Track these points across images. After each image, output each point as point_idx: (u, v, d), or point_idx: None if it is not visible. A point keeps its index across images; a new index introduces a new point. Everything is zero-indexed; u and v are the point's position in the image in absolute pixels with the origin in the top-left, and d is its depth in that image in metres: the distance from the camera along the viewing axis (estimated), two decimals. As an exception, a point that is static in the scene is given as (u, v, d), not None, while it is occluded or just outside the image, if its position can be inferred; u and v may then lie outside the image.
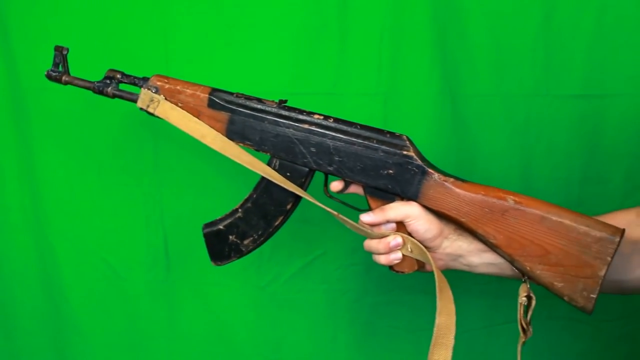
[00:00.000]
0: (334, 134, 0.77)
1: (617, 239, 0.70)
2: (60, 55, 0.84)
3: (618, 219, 0.76)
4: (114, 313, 1.18)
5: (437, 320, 0.72)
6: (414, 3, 1.01)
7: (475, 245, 0.78)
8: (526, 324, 0.75)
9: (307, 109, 0.80)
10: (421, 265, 0.80)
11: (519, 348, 0.76)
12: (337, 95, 1.06)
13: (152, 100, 0.81)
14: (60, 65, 0.84)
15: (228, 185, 1.10)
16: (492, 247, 0.76)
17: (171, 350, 1.19)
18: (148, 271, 1.16)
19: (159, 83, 0.82)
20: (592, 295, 0.71)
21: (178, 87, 0.81)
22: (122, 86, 0.84)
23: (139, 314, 1.18)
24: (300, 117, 0.78)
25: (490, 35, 1.02)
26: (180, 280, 1.16)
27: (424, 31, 1.02)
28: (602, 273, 0.71)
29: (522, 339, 0.76)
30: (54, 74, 0.84)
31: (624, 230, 0.71)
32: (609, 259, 0.70)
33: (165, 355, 1.20)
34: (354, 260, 1.14)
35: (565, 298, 0.73)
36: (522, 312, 0.75)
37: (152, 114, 0.82)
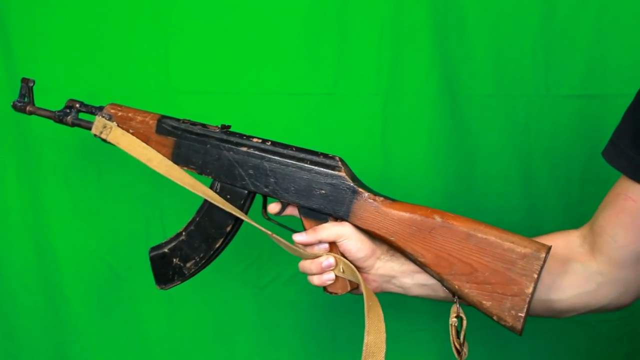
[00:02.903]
0: (270, 156, 0.79)
1: (543, 255, 0.70)
2: (27, 87, 0.89)
3: (557, 240, 0.76)
4: (113, 313, 1.18)
5: (366, 340, 0.72)
6: (414, 3, 1.01)
7: (407, 266, 0.78)
8: (459, 344, 0.74)
9: (247, 133, 0.82)
10: (354, 286, 0.80)
11: None
12: (337, 95, 1.06)
13: (105, 127, 0.85)
14: (25, 97, 0.89)
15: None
16: (421, 266, 0.75)
17: (171, 350, 1.19)
18: (148, 271, 1.15)
19: (112, 111, 0.86)
20: (520, 314, 0.70)
21: (130, 115, 0.85)
22: (82, 115, 0.88)
23: (138, 314, 1.18)
24: (240, 140, 0.81)
25: (490, 35, 1.02)
26: (180, 280, 1.16)
27: (424, 31, 1.02)
28: (529, 290, 0.69)
29: None
30: (19, 104, 0.89)
31: (550, 247, 0.70)
32: (535, 275, 0.69)
33: (165, 355, 1.19)
34: (354, 260, 1.14)
35: (495, 317, 0.72)
36: (454, 333, 0.74)
37: (104, 140, 0.86)
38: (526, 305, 0.70)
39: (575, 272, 0.74)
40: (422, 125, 1.06)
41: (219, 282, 1.16)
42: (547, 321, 1.13)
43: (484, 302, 0.72)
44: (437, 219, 0.74)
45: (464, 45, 1.02)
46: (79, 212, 1.13)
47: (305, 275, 1.15)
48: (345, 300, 1.16)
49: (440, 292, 0.77)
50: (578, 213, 1.06)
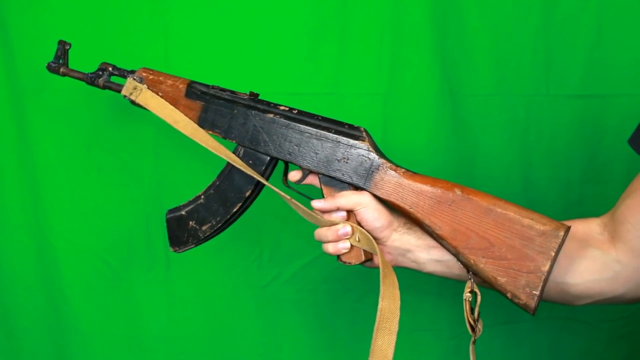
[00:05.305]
0: (295, 123, 0.81)
1: (562, 234, 0.69)
2: (63, 49, 0.91)
3: (577, 225, 0.75)
4: (114, 313, 1.18)
5: (380, 305, 0.72)
6: (414, 3, 1.01)
7: (424, 240, 0.78)
8: (473, 320, 0.74)
9: (275, 102, 0.84)
10: (369, 257, 0.81)
11: (471, 347, 0.75)
12: (337, 95, 1.06)
13: (135, 89, 0.87)
14: (60, 59, 0.91)
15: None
16: (438, 239, 0.75)
17: (171, 350, 1.19)
18: (148, 271, 1.16)
19: (144, 74, 0.88)
20: (534, 292, 0.70)
21: (160, 78, 0.88)
22: (113, 78, 0.90)
23: (139, 314, 1.18)
24: (267, 107, 0.83)
25: (490, 35, 1.02)
26: (180, 280, 1.16)
27: (424, 31, 1.02)
28: (546, 268, 0.69)
29: (472, 337, 0.75)
30: (54, 65, 0.91)
31: (569, 227, 0.70)
32: (553, 253, 0.69)
33: (165, 355, 1.19)
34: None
35: (508, 295, 0.71)
36: (468, 308, 0.74)
37: (133, 102, 0.87)
38: (541, 283, 0.69)
39: (594, 257, 0.74)
40: (422, 125, 1.06)
41: (219, 281, 1.16)
42: (547, 321, 1.13)
43: (499, 278, 0.72)
44: (458, 192, 0.75)
45: (464, 45, 1.02)
46: (79, 212, 1.13)
47: (305, 274, 1.16)
48: (346, 300, 1.16)
49: (455, 269, 0.78)
50: (578, 213, 1.06)
